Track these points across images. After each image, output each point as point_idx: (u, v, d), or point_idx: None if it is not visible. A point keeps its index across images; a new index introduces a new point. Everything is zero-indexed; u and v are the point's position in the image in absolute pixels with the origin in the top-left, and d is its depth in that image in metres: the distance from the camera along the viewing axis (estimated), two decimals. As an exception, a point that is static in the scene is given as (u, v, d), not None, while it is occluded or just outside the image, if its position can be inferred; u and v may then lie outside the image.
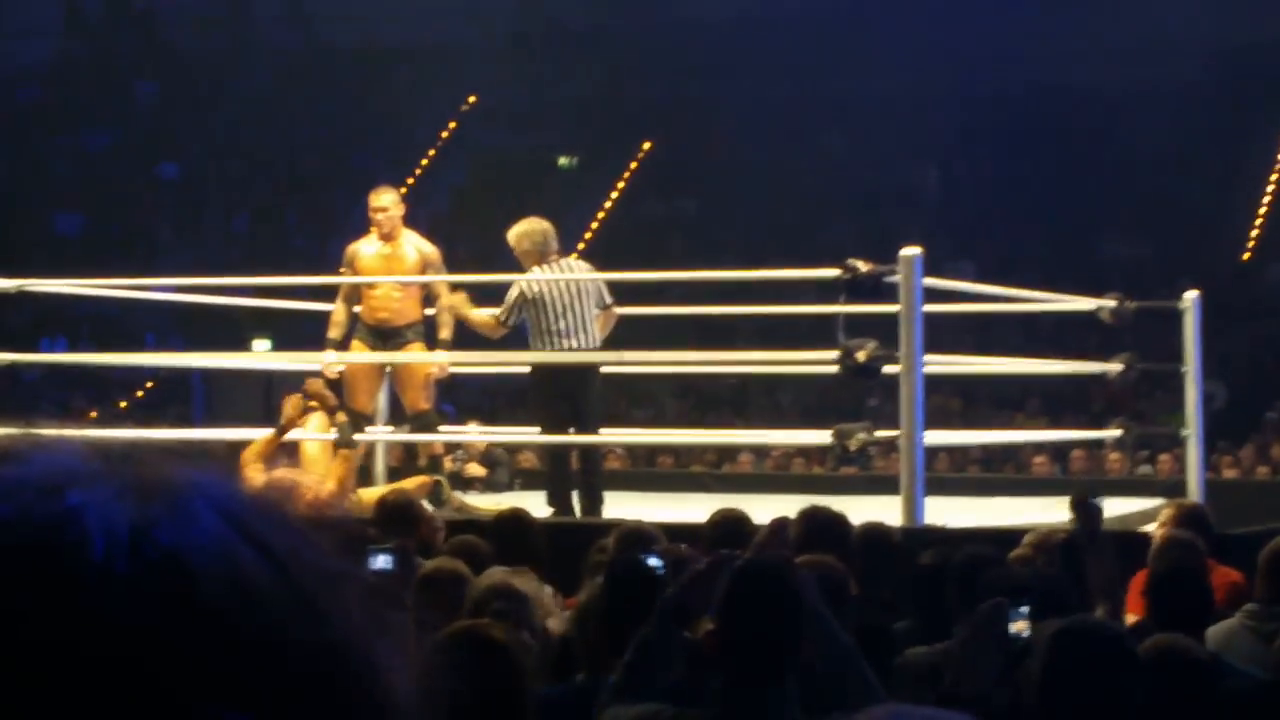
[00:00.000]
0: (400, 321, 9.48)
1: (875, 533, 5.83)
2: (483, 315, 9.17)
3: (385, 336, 9.49)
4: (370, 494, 8.93)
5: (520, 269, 9.16)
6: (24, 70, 27.47)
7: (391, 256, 9.41)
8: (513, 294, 9.01)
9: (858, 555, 5.45)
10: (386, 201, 9.46)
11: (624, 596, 4.29)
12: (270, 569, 0.74)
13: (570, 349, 8.91)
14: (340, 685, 0.74)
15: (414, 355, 9.45)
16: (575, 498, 8.96)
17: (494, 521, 6.50)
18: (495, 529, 6.35)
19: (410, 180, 26.34)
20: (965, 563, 5.26)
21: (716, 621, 3.55)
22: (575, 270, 9.21)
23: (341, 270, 9.63)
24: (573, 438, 8.96)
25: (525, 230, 9.14)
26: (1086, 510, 5.14)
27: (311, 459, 9.20)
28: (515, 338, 9.36)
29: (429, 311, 9.58)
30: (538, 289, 8.92)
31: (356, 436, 9.18)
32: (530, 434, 9.92)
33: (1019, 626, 3.72)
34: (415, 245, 9.43)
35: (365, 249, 9.49)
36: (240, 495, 0.77)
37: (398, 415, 10.24)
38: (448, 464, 10.53)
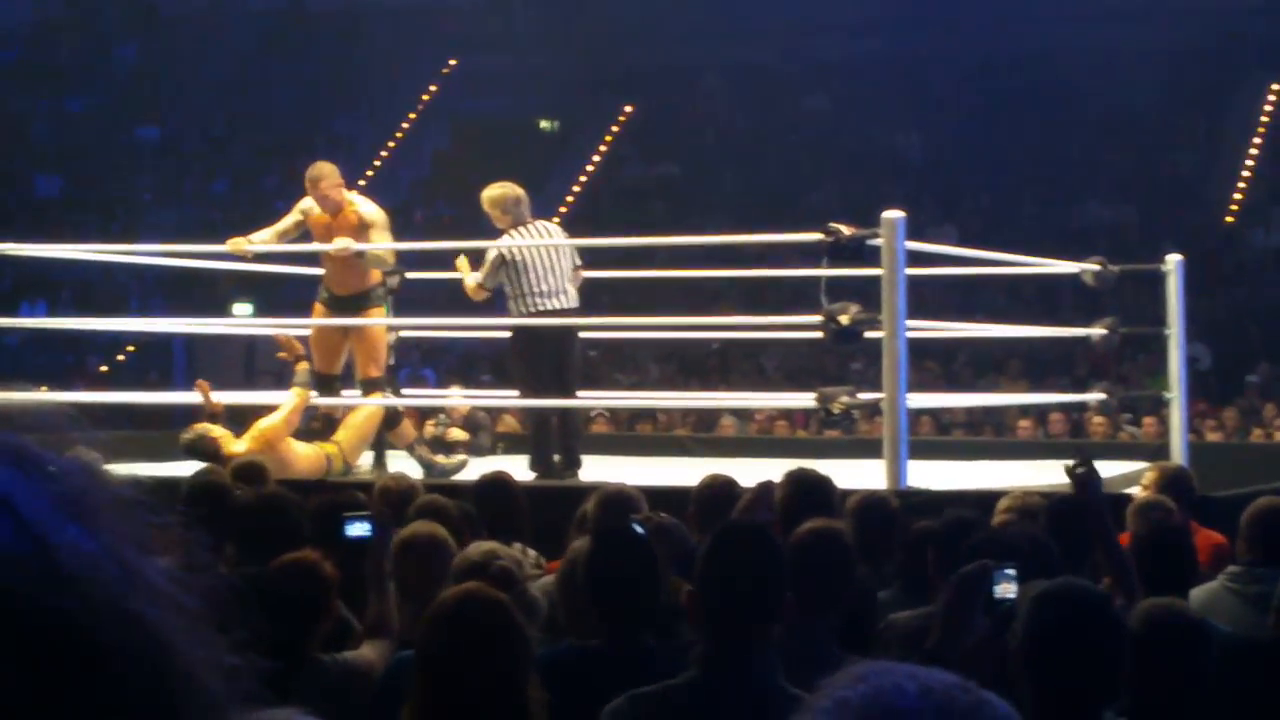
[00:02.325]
0: (356, 291, 9.52)
1: (873, 503, 5.78)
2: (469, 281, 9.13)
3: (346, 304, 9.50)
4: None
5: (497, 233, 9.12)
6: (3, 32, 27.32)
7: (336, 228, 9.38)
8: (491, 257, 8.98)
9: (853, 525, 5.38)
10: (325, 187, 9.40)
11: (611, 560, 4.26)
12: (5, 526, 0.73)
13: (552, 310, 8.90)
14: (102, 638, 0.74)
15: (420, 321, 9.43)
16: (556, 460, 8.96)
17: (477, 486, 6.48)
18: (478, 494, 6.33)
19: (391, 144, 26.28)
20: (948, 526, 5.25)
21: (697, 584, 3.53)
22: (551, 234, 9.18)
23: (296, 209, 9.56)
24: (555, 401, 8.94)
25: (496, 196, 9.09)
26: (1085, 480, 5.06)
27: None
28: (497, 302, 9.33)
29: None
30: (519, 254, 8.89)
31: (331, 400, 9.48)
32: (511, 398, 9.88)
33: (1004, 589, 3.70)
34: (357, 212, 9.39)
35: (316, 210, 9.47)
36: None
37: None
38: (429, 428, 10.51)
